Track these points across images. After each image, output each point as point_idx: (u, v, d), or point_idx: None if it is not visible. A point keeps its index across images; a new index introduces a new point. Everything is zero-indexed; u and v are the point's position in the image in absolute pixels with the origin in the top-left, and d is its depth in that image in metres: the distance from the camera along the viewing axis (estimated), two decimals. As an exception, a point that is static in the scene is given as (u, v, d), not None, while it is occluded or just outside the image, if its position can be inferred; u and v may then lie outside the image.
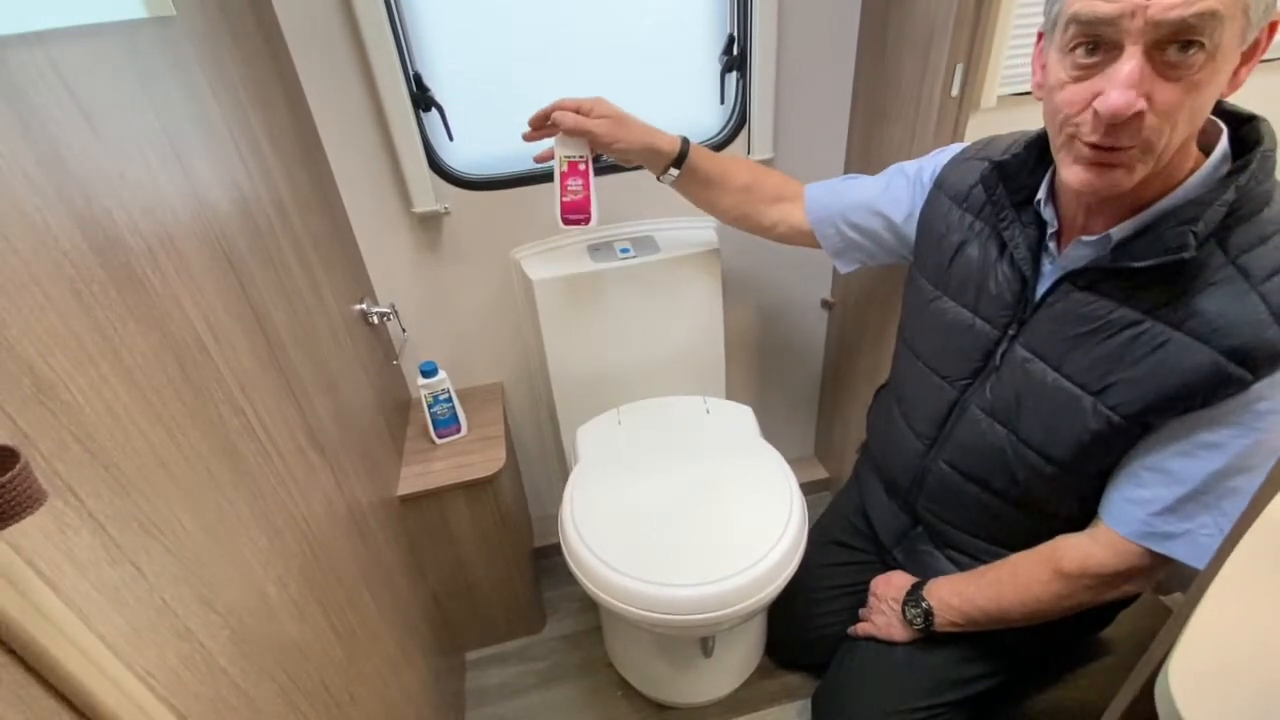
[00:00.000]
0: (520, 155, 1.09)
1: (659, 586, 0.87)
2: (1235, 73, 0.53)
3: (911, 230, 0.87)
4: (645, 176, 1.18)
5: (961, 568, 0.88)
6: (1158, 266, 0.58)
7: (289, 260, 0.76)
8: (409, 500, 1.05)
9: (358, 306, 1.00)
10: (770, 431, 1.18)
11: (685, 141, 0.92)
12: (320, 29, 0.91)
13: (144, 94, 0.52)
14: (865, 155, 1.16)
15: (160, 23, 0.57)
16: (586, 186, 0.88)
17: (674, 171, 0.92)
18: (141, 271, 0.46)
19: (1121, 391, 0.64)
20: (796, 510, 0.96)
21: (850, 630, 0.98)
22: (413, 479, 1.06)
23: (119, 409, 0.40)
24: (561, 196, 0.88)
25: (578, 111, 0.86)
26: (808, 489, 1.52)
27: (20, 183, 0.36)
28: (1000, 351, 0.75)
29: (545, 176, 1.09)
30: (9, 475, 0.24)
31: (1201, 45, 0.48)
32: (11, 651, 0.29)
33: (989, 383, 0.76)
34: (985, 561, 0.84)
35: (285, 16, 0.89)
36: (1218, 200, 0.56)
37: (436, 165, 1.05)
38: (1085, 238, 0.65)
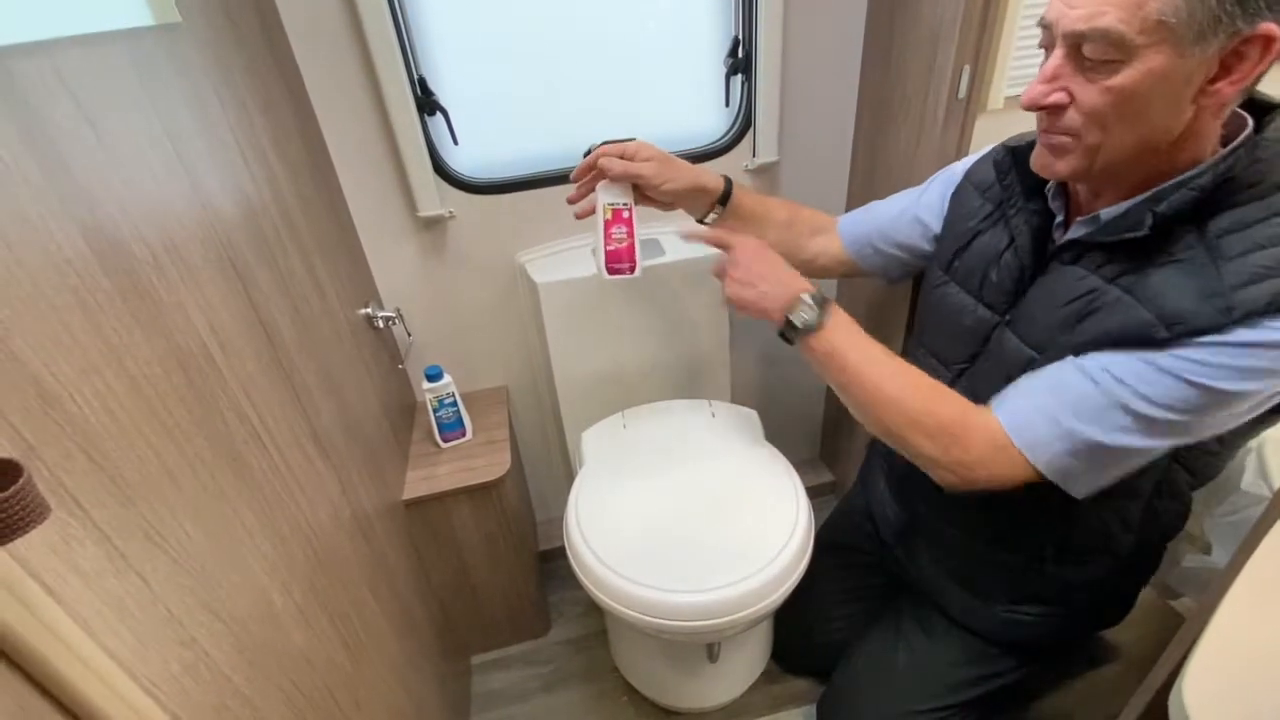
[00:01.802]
0: (524, 159, 1.10)
1: (664, 592, 0.87)
2: (1209, 87, 0.53)
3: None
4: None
5: (956, 573, 0.87)
6: (1128, 242, 0.60)
7: (294, 265, 0.76)
8: (414, 504, 1.05)
9: (363, 311, 1.00)
10: (776, 435, 1.17)
11: (728, 180, 0.90)
12: (325, 34, 0.91)
13: (149, 101, 0.52)
14: (871, 157, 1.16)
15: (165, 30, 0.58)
16: (631, 234, 0.83)
17: (719, 210, 0.90)
18: (146, 279, 0.46)
19: (1058, 347, 0.64)
20: (803, 515, 0.96)
21: (683, 232, 0.90)
22: (418, 483, 1.06)
23: (124, 418, 0.40)
24: (606, 246, 0.82)
25: (621, 156, 0.84)
26: (813, 493, 1.50)
27: (25, 191, 0.36)
28: (994, 335, 0.75)
29: (550, 179, 1.10)
30: (12, 490, 0.24)
31: (1103, 60, 0.53)
32: (15, 665, 0.29)
33: (983, 366, 0.76)
34: (981, 567, 0.85)
35: (290, 22, 0.89)
36: (1190, 184, 0.57)
37: (441, 169, 1.05)
38: (1080, 218, 0.66)
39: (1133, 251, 0.60)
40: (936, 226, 0.87)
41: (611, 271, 0.84)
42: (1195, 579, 0.87)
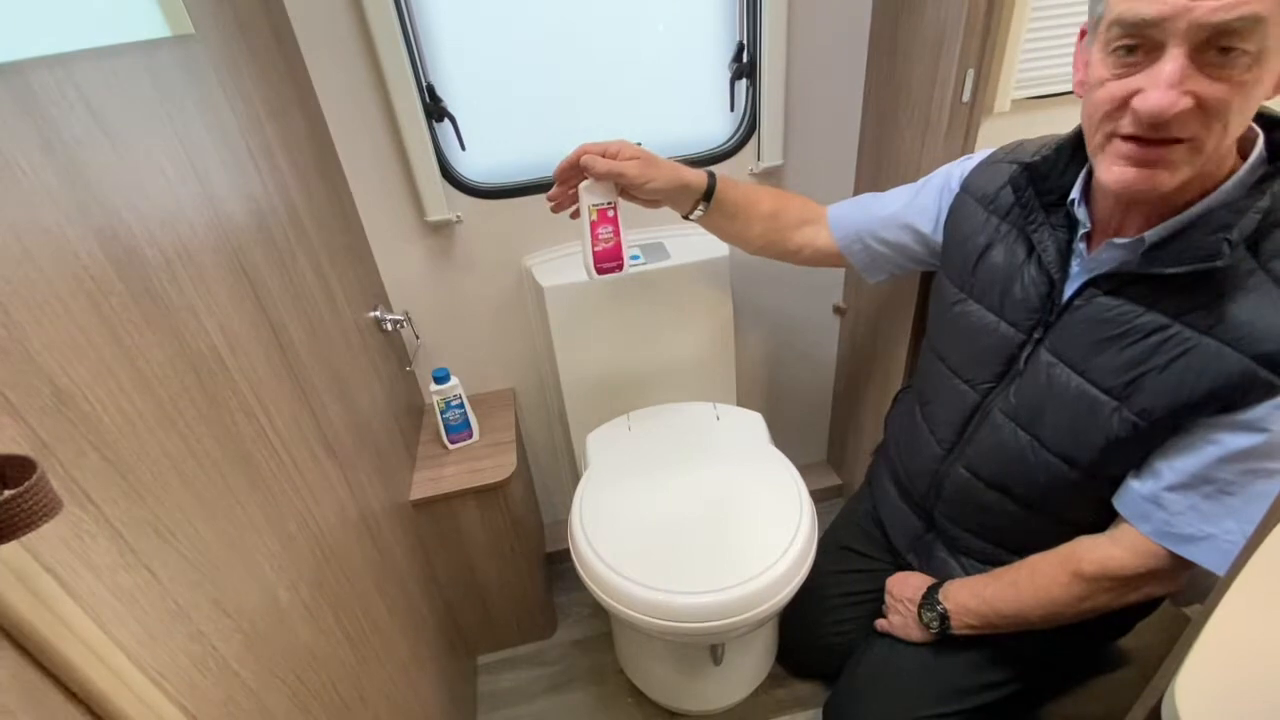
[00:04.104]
0: (531, 164, 1.11)
1: (667, 594, 0.87)
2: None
3: (940, 238, 0.86)
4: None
5: (976, 573, 0.87)
6: (1188, 272, 0.58)
7: (304, 269, 0.77)
8: (421, 505, 1.06)
9: (371, 314, 1.02)
10: (782, 438, 1.17)
11: (712, 175, 0.89)
12: (335, 43, 0.93)
13: (162, 110, 0.53)
14: (876, 161, 1.16)
15: (179, 41, 0.59)
16: (617, 233, 0.84)
17: (703, 207, 0.89)
18: (159, 283, 0.47)
19: (1147, 396, 0.63)
20: (806, 518, 0.96)
21: (876, 623, 0.97)
22: (425, 484, 1.07)
23: (136, 417, 0.41)
24: (593, 246, 0.83)
25: (603, 155, 0.83)
26: (820, 496, 1.51)
27: (43, 199, 0.38)
28: (1025, 355, 0.74)
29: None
30: (26, 485, 0.25)
31: (1244, 50, 0.49)
32: (28, 654, 0.30)
33: (1012, 387, 0.76)
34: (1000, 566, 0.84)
35: (301, 31, 0.91)
36: (1253, 207, 0.56)
37: (449, 174, 1.06)
38: (1118, 240, 0.64)
39: (1191, 282, 0.59)
40: (929, 230, 0.86)
41: (600, 271, 0.85)
42: (1204, 585, 0.86)
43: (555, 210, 0.89)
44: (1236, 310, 0.57)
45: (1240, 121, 0.53)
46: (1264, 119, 0.60)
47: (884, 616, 1.00)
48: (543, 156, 1.11)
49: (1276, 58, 0.50)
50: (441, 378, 1.08)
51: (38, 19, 0.42)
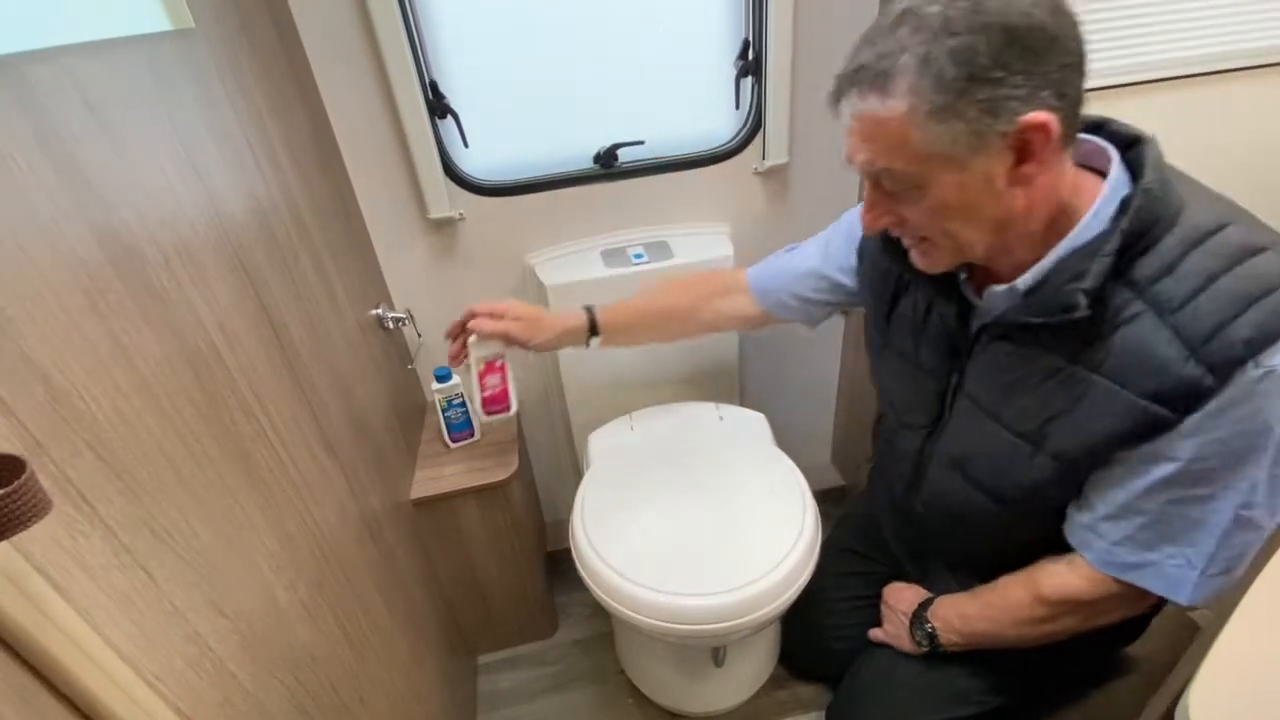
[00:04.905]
0: (534, 162, 1.10)
1: (669, 596, 0.87)
2: (1018, 171, 0.53)
3: (857, 286, 0.86)
4: (659, 182, 1.17)
5: (967, 589, 0.86)
6: (1055, 323, 0.58)
7: (305, 267, 0.77)
8: (422, 504, 1.06)
9: (373, 312, 1.01)
10: (785, 439, 1.17)
11: (589, 310, 0.94)
12: (339, 39, 0.92)
13: (161, 106, 0.53)
14: (882, 160, 1.15)
15: (180, 35, 0.59)
16: (504, 380, 0.92)
17: (595, 340, 0.94)
18: (157, 281, 0.47)
19: (1059, 439, 0.63)
20: (809, 520, 0.95)
21: (870, 633, 0.97)
22: (426, 483, 1.07)
23: (132, 416, 0.41)
24: (481, 392, 0.91)
25: (491, 315, 0.89)
26: (823, 497, 1.50)
27: (39, 195, 0.37)
28: (948, 401, 0.74)
29: (559, 182, 1.10)
30: (14, 485, 0.24)
31: (901, 188, 0.56)
32: (18, 656, 0.30)
33: (946, 431, 0.75)
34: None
35: (304, 28, 0.90)
36: (1102, 250, 0.55)
37: (452, 172, 1.06)
38: (996, 287, 0.64)
39: (1072, 322, 0.58)
40: (847, 280, 0.87)
41: (489, 413, 0.93)
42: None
43: (452, 365, 0.93)
44: (1121, 344, 0.56)
45: (963, 227, 0.57)
46: (1118, 137, 0.59)
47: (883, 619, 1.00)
48: (546, 154, 1.10)
49: (960, 181, 0.53)
50: (443, 376, 1.07)
51: (35, 11, 0.42)
